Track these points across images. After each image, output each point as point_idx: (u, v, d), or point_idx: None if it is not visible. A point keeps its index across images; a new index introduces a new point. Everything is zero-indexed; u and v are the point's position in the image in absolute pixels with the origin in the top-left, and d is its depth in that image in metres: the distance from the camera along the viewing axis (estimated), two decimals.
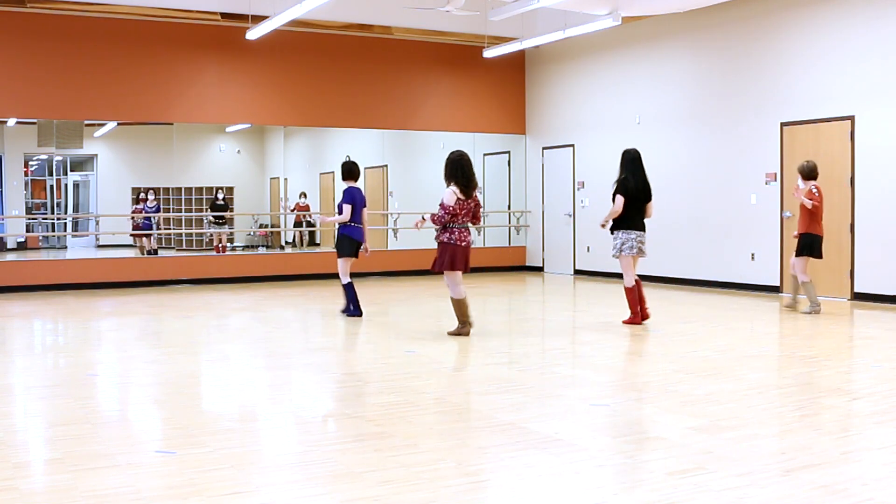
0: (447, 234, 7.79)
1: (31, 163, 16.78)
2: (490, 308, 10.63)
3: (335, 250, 9.34)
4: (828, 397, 5.39)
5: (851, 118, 10.54)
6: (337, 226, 9.43)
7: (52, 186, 17.02)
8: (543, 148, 15.67)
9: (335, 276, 14.02)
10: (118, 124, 15.54)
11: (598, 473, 3.90)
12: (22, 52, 12.47)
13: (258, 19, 12.03)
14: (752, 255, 11.79)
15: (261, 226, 17.56)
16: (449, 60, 15.26)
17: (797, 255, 9.38)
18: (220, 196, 16.71)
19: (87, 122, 15.11)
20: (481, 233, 16.45)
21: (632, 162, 8.59)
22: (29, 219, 16.43)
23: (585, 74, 14.68)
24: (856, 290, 10.54)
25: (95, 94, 12.96)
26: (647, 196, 8.53)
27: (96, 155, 17.38)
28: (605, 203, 14.29)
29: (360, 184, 9.45)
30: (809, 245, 9.31)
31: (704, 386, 5.78)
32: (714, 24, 12.32)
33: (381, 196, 17.45)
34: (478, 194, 7.87)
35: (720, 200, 12.22)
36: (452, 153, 7.80)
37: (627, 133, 13.87)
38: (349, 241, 9.12)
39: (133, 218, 15.75)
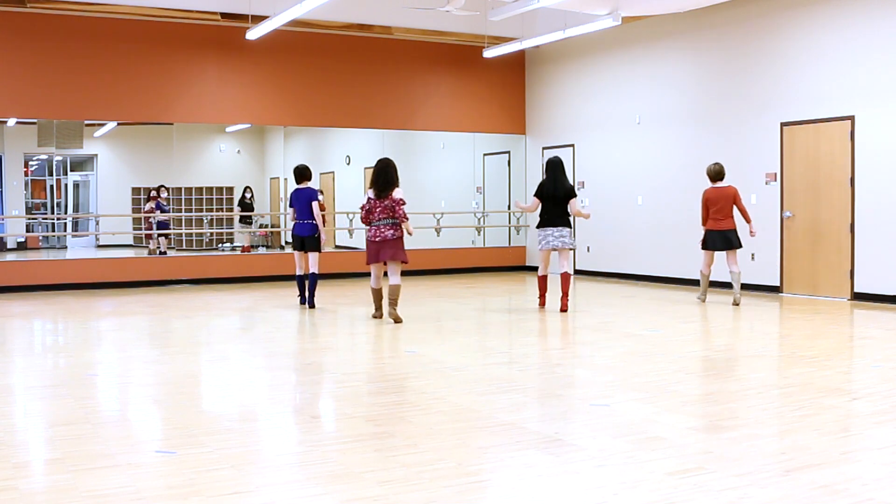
0: (366, 232, 8.96)
1: (31, 163, 16.77)
2: (490, 308, 10.63)
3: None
4: (828, 397, 5.39)
5: (851, 118, 10.54)
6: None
7: (52, 186, 17.01)
8: (543, 148, 15.67)
9: (335, 275, 14.09)
10: (118, 124, 15.53)
11: (597, 473, 3.90)
12: (22, 52, 12.47)
13: (258, 19, 12.03)
14: (752, 255, 11.79)
15: (261, 226, 17.56)
16: (449, 60, 15.27)
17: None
18: (248, 195, 16.72)
19: (87, 122, 15.10)
20: (481, 233, 16.46)
21: (552, 168, 9.76)
22: (29, 219, 16.42)
23: (585, 74, 14.68)
24: (856, 290, 10.54)
25: (95, 94, 12.96)
26: (565, 197, 9.57)
27: (96, 155, 17.37)
28: (606, 203, 14.34)
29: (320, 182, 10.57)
30: (703, 240, 10.44)
31: (704, 386, 5.78)
32: (714, 25, 12.32)
33: None
34: (396, 195, 8.75)
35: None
36: (380, 160, 8.97)
37: (627, 133, 13.88)
38: (292, 236, 10.37)
39: (149, 218, 15.58)
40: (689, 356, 7.00)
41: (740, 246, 10.30)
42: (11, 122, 14.73)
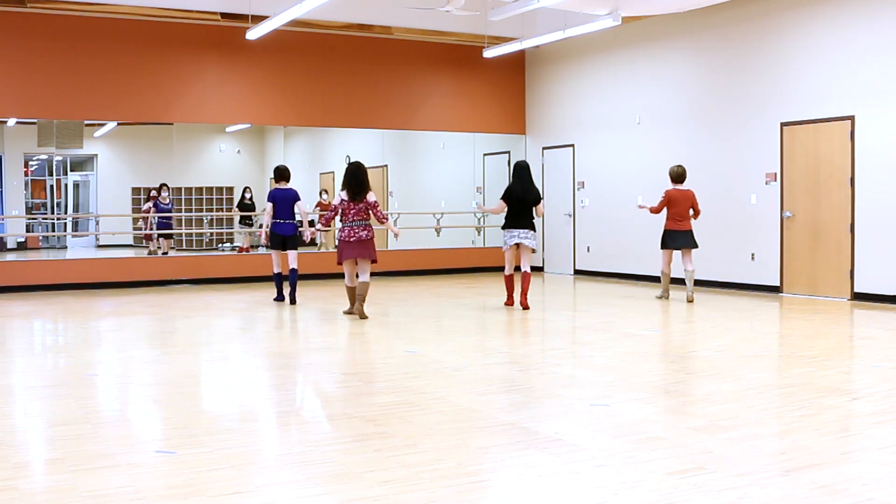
0: (339, 232, 9.35)
1: (31, 163, 16.76)
2: (490, 308, 10.63)
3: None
4: (828, 397, 5.39)
5: (851, 118, 10.54)
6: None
7: (52, 186, 17.00)
8: (543, 148, 15.67)
9: (334, 276, 14.08)
10: (118, 124, 15.52)
11: (597, 473, 3.90)
12: (22, 52, 12.47)
13: (258, 19, 12.03)
14: (752, 255, 11.79)
15: (260, 226, 17.55)
16: (449, 60, 15.27)
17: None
18: (248, 196, 16.72)
19: (87, 122, 15.09)
20: (481, 233, 16.46)
21: (520, 171, 10.06)
22: (29, 219, 16.41)
23: (585, 74, 14.68)
24: (856, 290, 10.54)
25: (95, 94, 12.96)
26: (532, 200, 9.91)
27: (96, 155, 17.36)
28: (606, 203, 14.34)
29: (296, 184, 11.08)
30: (662, 239, 10.76)
31: (704, 386, 5.78)
32: (714, 25, 12.32)
33: (381, 196, 17.45)
34: (370, 198, 9.22)
35: (720, 200, 12.22)
36: (350, 164, 9.35)
37: (627, 133, 13.88)
38: (273, 235, 10.59)
39: (148, 218, 15.56)
40: (689, 356, 7.00)
41: (696, 246, 10.71)
42: (11, 122, 14.73)
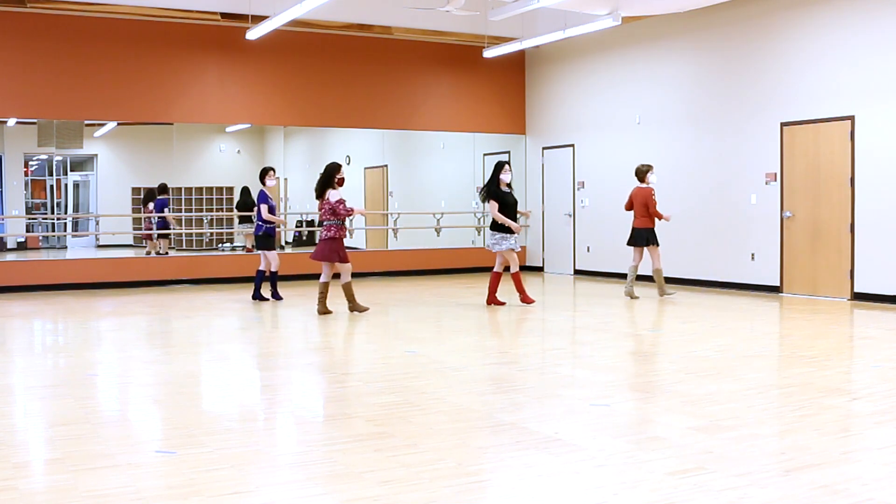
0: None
1: (31, 163, 16.76)
2: (490, 308, 10.62)
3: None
4: (828, 397, 5.39)
5: (851, 118, 10.54)
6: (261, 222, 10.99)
7: (52, 186, 17.00)
8: (543, 148, 15.67)
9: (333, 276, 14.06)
10: (118, 124, 15.52)
11: (597, 473, 3.90)
12: (22, 52, 12.47)
13: (258, 19, 12.03)
14: (752, 255, 11.79)
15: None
16: (449, 60, 15.26)
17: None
18: (249, 197, 16.71)
19: (87, 122, 15.09)
20: (481, 233, 16.46)
21: (497, 170, 10.15)
22: (29, 219, 16.41)
23: (585, 74, 14.68)
24: (856, 290, 10.54)
25: (95, 94, 12.96)
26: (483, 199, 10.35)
27: (96, 155, 17.36)
28: (606, 203, 14.34)
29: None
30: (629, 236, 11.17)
31: (704, 386, 5.78)
32: (714, 25, 12.32)
33: (381, 196, 17.46)
34: (331, 198, 9.39)
35: (720, 200, 12.23)
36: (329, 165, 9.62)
37: (627, 133, 13.88)
38: (268, 236, 11.04)
39: (149, 218, 15.55)
40: (689, 356, 7.00)
41: (656, 244, 10.97)
42: (11, 122, 14.73)
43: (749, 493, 3.57)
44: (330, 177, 9.47)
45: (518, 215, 10.32)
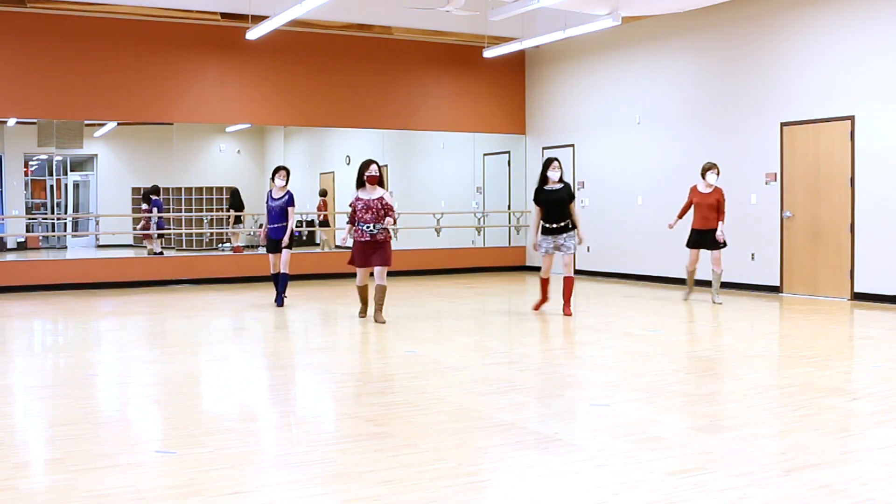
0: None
1: (31, 163, 16.77)
2: (490, 308, 10.63)
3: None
4: (828, 397, 5.39)
5: (851, 118, 10.54)
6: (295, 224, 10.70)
7: (52, 186, 17.01)
8: (543, 148, 15.66)
9: (334, 275, 14.09)
10: (118, 124, 15.53)
11: (597, 473, 3.90)
12: (22, 52, 12.47)
13: (258, 19, 12.03)
14: (752, 255, 11.79)
15: (260, 226, 17.53)
16: (449, 60, 15.26)
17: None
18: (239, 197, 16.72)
19: (87, 122, 15.10)
20: (481, 233, 16.46)
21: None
22: (29, 219, 16.42)
23: (585, 74, 14.68)
24: (856, 290, 10.54)
25: (95, 94, 12.96)
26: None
27: (96, 155, 17.38)
28: (606, 203, 14.34)
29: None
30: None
31: (704, 386, 5.78)
32: (714, 25, 12.32)
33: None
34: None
35: None
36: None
37: (627, 133, 13.88)
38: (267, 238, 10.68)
39: (148, 218, 15.58)
40: (689, 356, 7.00)
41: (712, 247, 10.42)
42: (11, 122, 14.74)
43: (749, 493, 3.57)
44: (360, 174, 8.75)
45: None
